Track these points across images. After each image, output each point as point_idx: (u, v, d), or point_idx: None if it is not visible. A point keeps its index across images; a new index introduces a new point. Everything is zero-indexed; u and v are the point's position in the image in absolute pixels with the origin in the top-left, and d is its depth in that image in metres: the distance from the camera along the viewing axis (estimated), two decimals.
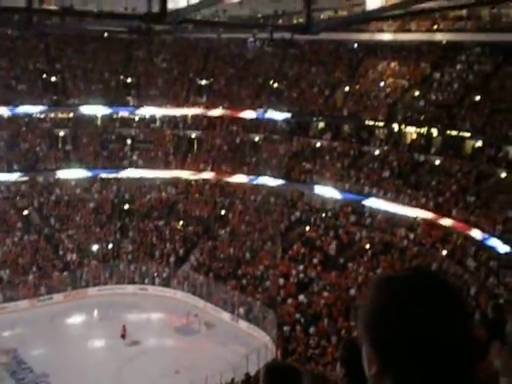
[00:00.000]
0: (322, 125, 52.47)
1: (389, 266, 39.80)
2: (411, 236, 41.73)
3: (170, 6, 14.06)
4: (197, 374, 30.64)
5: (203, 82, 57.06)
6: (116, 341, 37.52)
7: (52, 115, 54.45)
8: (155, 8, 15.00)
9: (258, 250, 45.84)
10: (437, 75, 47.97)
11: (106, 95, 54.60)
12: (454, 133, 43.26)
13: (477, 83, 45.18)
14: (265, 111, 52.18)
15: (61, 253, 47.02)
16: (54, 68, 55.75)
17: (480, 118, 42.43)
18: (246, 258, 45.58)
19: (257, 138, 53.83)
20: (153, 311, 43.08)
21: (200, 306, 43.00)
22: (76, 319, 42.50)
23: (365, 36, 49.51)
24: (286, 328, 37.23)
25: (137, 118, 56.69)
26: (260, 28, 35.56)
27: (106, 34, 54.97)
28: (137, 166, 53.03)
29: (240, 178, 50.87)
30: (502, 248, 34.77)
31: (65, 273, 45.30)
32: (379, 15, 25.36)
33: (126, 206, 51.43)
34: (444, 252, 39.06)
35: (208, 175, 52.24)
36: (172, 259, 47.18)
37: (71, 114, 54.66)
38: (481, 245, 36.85)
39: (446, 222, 39.36)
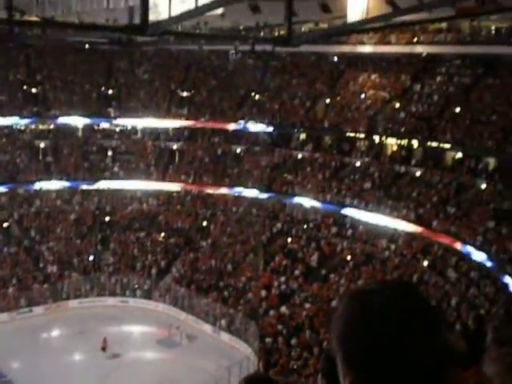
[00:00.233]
0: (303, 136, 52.61)
1: (370, 277, 39.87)
2: (392, 247, 41.87)
3: (152, 17, 14.05)
4: None
5: (185, 94, 57.02)
6: (97, 353, 37.27)
7: (32, 126, 54.15)
8: (136, 19, 15.02)
9: (239, 262, 45.75)
10: (417, 87, 48.29)
11: (87, 107, 54.42)
12: (434, 144, 43.52)
13: (457, 95, 45.53)
14: (246, 123, 52.22)
15: (41, 265, 46.61)
16: (34, 79, 55.49)
17: (460, 129, 42.75)
18: (228, 270, 45.47)
19: (238, 150, 53.84)
20: (134, 323, 42.85)
21: (181, 318, 42.82)
22: (56, 332, 42.13)
23: (345, 48, 49.78)
24: (268, 340, 37.15)
25: (118, 130, 56.54)
26: (241, 40, 35.62)
27: (87, 46, 54.87)
28: (118, 178, 52.82)
29: (221, 190, 50.83)
30: (482, 259, 34.96)
31: (45, 285, 44.89)
32: (360, 28, 25.53)
33: (107, 218, 51.17)
34: (425, 263, 39.19)
35: (189, 187, 52.14)
36: (153, 271, 46.96)
37: (52, 126, 54.41)
38: (461, 256, 37.03)
39: (427, 233, 39.52)
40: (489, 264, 34.40)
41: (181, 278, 46.04)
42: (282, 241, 46.38)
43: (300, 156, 51.17)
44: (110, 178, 52.69)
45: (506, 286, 31.89)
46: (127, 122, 55.58)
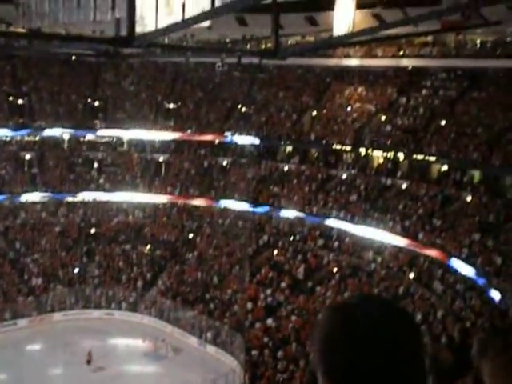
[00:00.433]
0: (289, 149, 52.70)
1: (356, 289, 39.89)
2: (378, 259, 41.94)
3: (138, 29, 14.05)
4: None
5: (171, 106, 56.99)
6: (82, 367, 36.97)
7: (18, 138, 53.90)
8: (123, 31, 15.00)
9: (225, 274, 45.65)
10: (403, 100, 48.56)
11: (73, 118, 54.26)
12: (420, 157, 43.71)
13: (442, 108, 45.81)
14: (233, 135, 52.23)
15: (26, 277, 46.30)
16: (20, 90, 55.29)
17: (445, 142, 42.98)
18: (214, 282, 45.34)
19: (225, 162, 53.85)
20: (119, 336, 42.56)
21: (167, 331, 42.61)
22: (41, 344, 41.74)
23: (332, 61, 49.97)
24: (254, 352, 37.02)
25: (104, 142, 56.38)
26: (228, 52, 35.65)
27: (73, 57, 54.72)
28: (104, 190, 52.64)
29: (208, 202, 50.77)
30: (468, 271, 35.06)
31: (30, 297, 44.56)
32: (346, 41, 25.65)
33: (93, 230, 50.95)
34: (411, 275, 39.27)
35: (176, 199, 52.04)
36: (139, 283, 46.76)
37: (38, 137, 54.20)
38: (447, 268, 37.14)
39: (413, 245, 39.61)
40: (474, 276, 34.50)
41: (166, 291, 45.86)
42: (268, 253, 46.34)
43: (286, 168, 51.24)
44: (96, 190, 52.50)
45: (491, 298, 31.99)
46: (113, 134, 55.44)
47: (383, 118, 47.86)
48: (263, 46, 45.02)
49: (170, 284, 46.40)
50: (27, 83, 56.08)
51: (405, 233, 40.46)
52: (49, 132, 53.03)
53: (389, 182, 45.66)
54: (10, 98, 54.21)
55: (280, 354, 36.27)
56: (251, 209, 48.36)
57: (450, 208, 40.76)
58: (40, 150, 54.13)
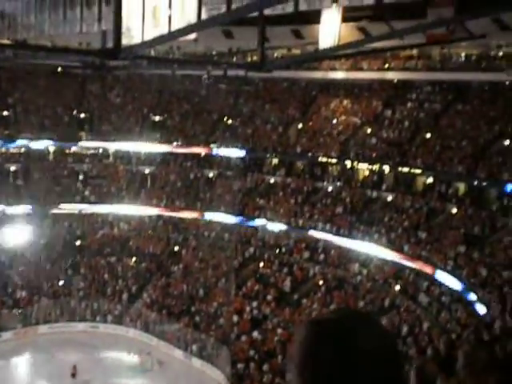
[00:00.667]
0: (275, 161, 52.73)
1: (342, 301, 39.90)
2: (364, 272, 41.98)
3: (125, 41, 14.03)
4: None
5: (157, 118, 56.98)
6: (66, 380, 36.69)
7: (3, 150, 53.60)
8: (109, 43, 14.99)
9: (211, 287, 45.52)
10: (388, 113, 48.78)
11: (59, 130, 54.00)
12: (405, 169, 43.88)
13: (427, 121, 46.06)
14: (219, 147, 52.22)
15: (10, 290, 45.97)
16: (5, 102, 55.06)
17: (430, 155, 43.19)
18: (200, 295, 45.20)
19: (211, 174, 53.82)
20: (104, 349, 42.26)
21: (153, 344, 42.41)
22: (26, 357, 41.42)
23: (318, 74, 50.16)
24: (239, 365, 36.91)
25: (89, 153, 56.19)
26: (214, 65, 35.72)
27: (59, 69, 54.57)
28: (89, 202, 52.40)
29: (194, 214, 50.65)
30: (453, 283, 35.14)
31: (14, 310, 44.26)
32: (332, 54, 25.74)
33: (78, 242, 50.73)
34: (397, 287, 39.32)
35: (161, 211, 51.89)
36: (124, 296, 46.53)
37: (23, 149, 53.92)
38: (433, 280, 37.22)
39: (399, 257, 39.67)
40: (460, 288, 34.58)
41: (152, 303, 45.66)
42: (254, 266, 46.29)
43: (272, 181, 51.28)
44: (81, 202, 52.23)
45: (477, 310, 32.06)
46: (99, 146, 55.29)
47: (369, 130, 48.04)
48: (249, 59, 45.15)
49: (156, 297, 46.22)
50: (12, 95, 55.86)
51: (390, 245, 40.54)
52: (34, 144, 52.78)
53: (374, 194, 45.78)
54: None
55: (266, 367, 36.17)
56: (238, 221, 48.33)
57: (435, 220, 40.91)
58: (25, 161, 53.84)
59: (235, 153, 51.88)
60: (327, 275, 43.26)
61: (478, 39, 38.51)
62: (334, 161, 48.22)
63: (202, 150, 53.31)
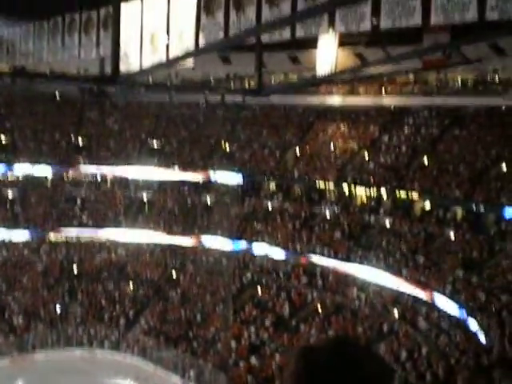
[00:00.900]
0: (273, 186, 52.75)
1: (340, 327, 39.72)
2: (362, 297, 41.82)
3: (123, 68, 14.12)
4: None
5: (155, 144, 57.12)
6: None
7: (0, 175, 53.66)
8: (108, 70, 15.07)
9: (209, 312, 45.34)
10: (385, 138, 48.89)
11: (57, 156, 54.16)
12: (402, 194, 43.90)
13: (424, 146, 46.16)
14: (216, 173, 52.28)
15: (7, 316, 45.75)
16: (3, 128, 55.21)
17: (428, 179, 43.24)
18: (197, 321, 45.01)
19: (208, 200, 53.81)
20: (101, 376, 41.95)
21: (150, 370, 42.13)
22: None
23: (315, 99, 50.34)
24: None
25: (87, 179, 56.24)
26: (212, 91, 35.89)
27: (57, 95, 54.86)
28: (87, 227, 52.35)
29: (191, 240, 50.55)
30: (452, 308, 35.04)
31: (11, 336, 44.01)
32: (329, 79, 25.88)
33: (75, 268, 50.58)
34: (395, 312, 39.17)
35: (159, 236, 51.79)
36: (122, 322, 46.30)
37: (20, 175, 53.96)
38: (431, 305, 37.09)
39: (397, 282, 39.57)
40: (459, 313, 34.47)
41: (149, 329, 45.45)
42: (251, 291, 46.12)
43: (270, 206, 51.25)
44: (79, 228, 52.20)
45: (475, 335, 31.95)
46: (97, 172, 55.35)
47: (366, 155, 48.10)
48: (247, 85, 45.41)
49: (153, 322, 46.01)
50: (10, 120, 56.04)
51: (388, 270, 40.45)
52: (32, 169, 52.85)
53: (372, 219, 45.73)
54: None
55: None
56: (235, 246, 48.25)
57: (434, 245, 40.86)
58: (23, 187, 53.88)
59: (233, 178, 51.92)
60: (325, 300, 43.09)
61: (474, 64, 38.86)
62: (331, 185, 48.24)
63: (199, 176, 53.34)
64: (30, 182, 54.11)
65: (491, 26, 11.29)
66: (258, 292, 45.76)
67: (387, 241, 42.96)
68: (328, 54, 21.15)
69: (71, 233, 51.92)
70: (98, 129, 58.36)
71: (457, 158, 43.09)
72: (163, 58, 14.49)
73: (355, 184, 46.68)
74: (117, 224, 52.65)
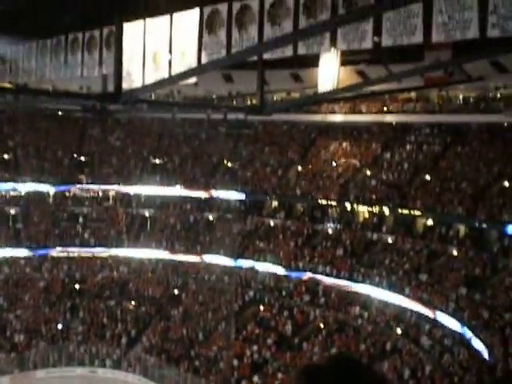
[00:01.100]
0: (275, 204, 52.74)
1: (343, 345, 39.54)
2: (365, 314, 41.68)
3: (125, 85, 14.16)
4: None
5: (157, 161, 57.18)
6: None
7: (3, 193, 53.70)
8: (110, 87, 15.11)
9: (211, 331, 45.17)
10: (387, 155, 48.92)
11: (59, 173, 54.22)
12: (405, 211, 43.85)
13: (426, 163, 46.17)
14: (218, 190, 52.30)
15: (8, 333, 45.58)
16: (6, 145, 55.32)
17: (430, 196, 43.20)
18: (200, 339, 44.83)
19: (210, 217, 53.80)
20: None
21: None
22: None
23: (317, 117, 50.46)
24: None
25: (89, 196, 56.24)
26: (214, 109, 36.03)
27: (60, 113, 54.95)
28: (88, 245, 52.32)
29: (193, 257, 50.48)
30: (455, 325, 34.90)
31: (12, 354, 43.82)
32: (330, 97, 25.94)
33: (77, 286, 50.45)
34: (398, 330, 39.01)
35: (161, 254, 51.73)
36: (123, 340, 46.13)
37: (23, 192, 53.99)
38: (435, 322, 36.95)
39: (400, 300, 39.45)
40: (462, 331, 34.34)
41: (151, 348, 45.25)
42: (254, 309, 45.98)
43: (272, 223, 51.21)
44: (81, 245, 52.17)
45: (479, 352, 31.80)
46: (99, 189, 55.39)
47: (368, 172, 48.12)
48: (249, 102, 45.49)
49: (155, 341, 45.81)
50: (13, 138, 56.17)
51: (391, 288, 40.33)
52: (34, 187, 52.89)
53: (374, 236, 45.67)
54: None
55: None
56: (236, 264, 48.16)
57: (436, 262, 40.77)
58: (25, 204, 53.89)
59: (235, 195, 51.93)
60: (328, 318, 42.95)
61: (475, 81, 38.94)
62: (333, 203, 48.22)
63: (201, 193, 53.36)
64: (32, 199, 54.11)
65: (493, 44, 11.32)
66: (260, 310, 45.62)
67: (390, 258, 42.88)
68: (330, 72, 21.23)
69: (73, 250, 51.85)
70: (101, 146, 58.46)
71: (459, 175, 43.09)
72: (166, 76, 14.54)
73: (357, 201, 46.64)
74: (119, 241, 52.60)
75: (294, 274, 46.26)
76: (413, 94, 46.49)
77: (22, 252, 50.41)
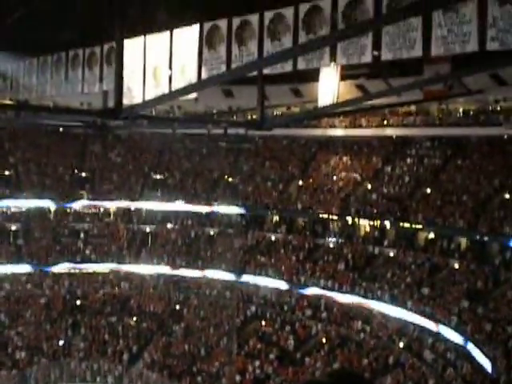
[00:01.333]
0: (276, 218, 52.71)
1: (346, 359, 39.41)
2: (367, 329, 41.56)
3: (126, 101, 14.19)
4: None
5: (158, 177, 57.19)
6: None
7: (4, 209, 53.66)
8: (111, 103, 15.15)
9: (213, 346, 45.03)
10: (388, 169, 48.95)
11: (60, 189, 54.19)
12: (406, 225, 43.80)
13: (427, 176, 46.20)
14: (219, 205, 52.29)
15: (9, 350, 45.42)
16: (7, 161, 55.35)
17: (431, 210, 43.18)
18: (201, 355, 44.68)
19: (211, 232, 53.75)
20: None
21: None
22: None
23: (317, 131, 50.56)
24: None
25: (90, 212, 56.20)
26: (214, 124, 36.09)
27: (60, 129, 55.01)
28: (90, 261, 52.23)
29: (195, 273, 50.39)
30: (458, 339, 34.78)
31: (13, 371, 43.65)
32: (330, 111, 26.00)
33: (78, 302, 50.32)
34: (401, 344, 38.89)
35: (162, 269, 51.63)
36: (125, 356, 45.96)
37: (24, 208, 53.97)
38: (437, 336, 36.84)
39: (402, 313, 39.33)
40: (465, 344, 34.21)
41: (153, 364, 45.08)
42: (255, 324, 45.86)
43: (273, 238, 51.16)
44: (82, 261, 52.06)
45: (482, 366, 31.67)
46: (100, 205, 55.37)
47: (369, 186, 48.14)
48: (249, 117, 45.59)
49: (157, 357, 45.65)
50: (14, 154, 56.20)
51: (393, 301, 40.23)
52: (35, 203, 52.87)
53: (376, 250, 45.62)
54: None
55: None
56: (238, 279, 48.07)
57: (438, 275, 40.69)
58: (26, 221, 53.85)
59: (236, 210, 51.91)
60: (330, 333, 42.83)
61: (475, 94, 39.04)
62: (334, 217, 48.18)
63: (202, 208, 53.34)
64: (33, 215, 54.07)
65: (492, 57, 11.35)
66: (262, 325, 45.51)
67: (392, 272, 42.80)
68: (330, 86, 21.30)
69: (74, 266, 51.75)
70: (101, 162, 58.50)
71: (460, 188, 43.10)
72: (166, 92, 14.59)
73: (358, 215, 46.62)
74: (120, 257, 52.51)
75: (295, 289, 46.16)
76: (413, 108, 46.60)
77: (23, 268, 50.30)
